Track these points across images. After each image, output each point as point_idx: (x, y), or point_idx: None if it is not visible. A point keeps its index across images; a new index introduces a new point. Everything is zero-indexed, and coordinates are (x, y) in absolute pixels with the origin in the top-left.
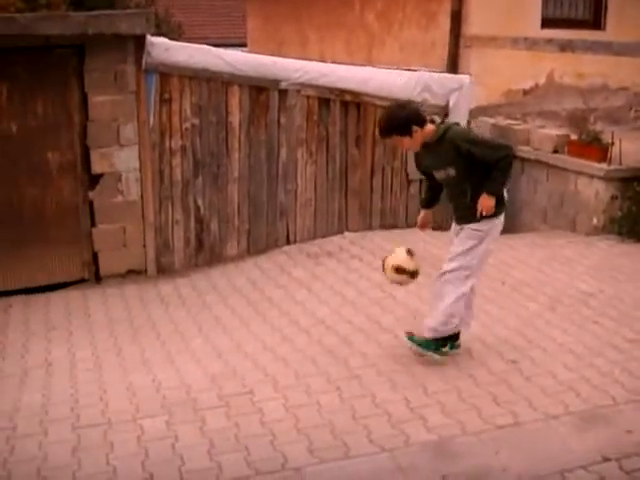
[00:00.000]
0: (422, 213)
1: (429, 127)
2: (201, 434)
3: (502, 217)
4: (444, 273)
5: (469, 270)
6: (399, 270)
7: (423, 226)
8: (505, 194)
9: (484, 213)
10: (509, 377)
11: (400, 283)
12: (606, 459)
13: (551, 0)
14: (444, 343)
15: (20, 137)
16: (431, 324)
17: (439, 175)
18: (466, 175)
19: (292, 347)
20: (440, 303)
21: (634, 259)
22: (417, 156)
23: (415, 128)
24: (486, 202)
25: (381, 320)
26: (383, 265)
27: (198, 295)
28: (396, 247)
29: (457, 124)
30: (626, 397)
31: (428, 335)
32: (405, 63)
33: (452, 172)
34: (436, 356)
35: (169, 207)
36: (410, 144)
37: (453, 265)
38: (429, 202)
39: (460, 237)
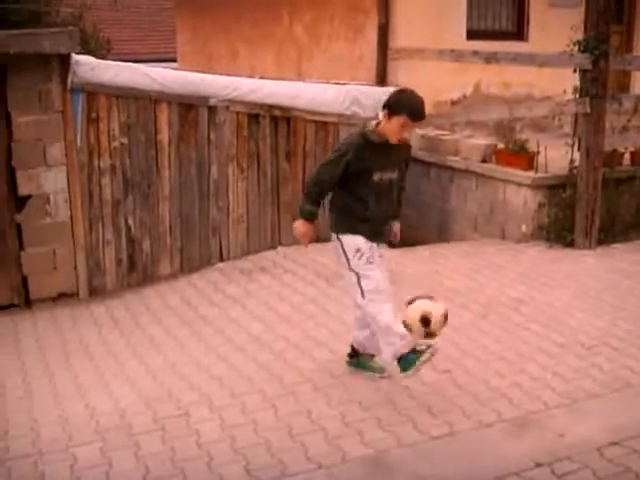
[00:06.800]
0: (307, 226)
1: None
2: (136, 459)
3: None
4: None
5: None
6: (424, 320)
7: (309, 240)
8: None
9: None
10: (443, 387)
11: (410, 330)
12: (538, 464)
13: (475, 12)
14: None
15: None
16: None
17: (383, 177)
18: (399, 182)
19: (227, 366)
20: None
21: (562, 265)
22: (360, 153)
23: None
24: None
25: (316, 335)
26: (412, 302)
27: (132, 316)
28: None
29: None
30: (557, 401)
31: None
32: (334, 76)
33: (395, 176)
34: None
35: (100, 227)
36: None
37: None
38: (316, 213)
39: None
